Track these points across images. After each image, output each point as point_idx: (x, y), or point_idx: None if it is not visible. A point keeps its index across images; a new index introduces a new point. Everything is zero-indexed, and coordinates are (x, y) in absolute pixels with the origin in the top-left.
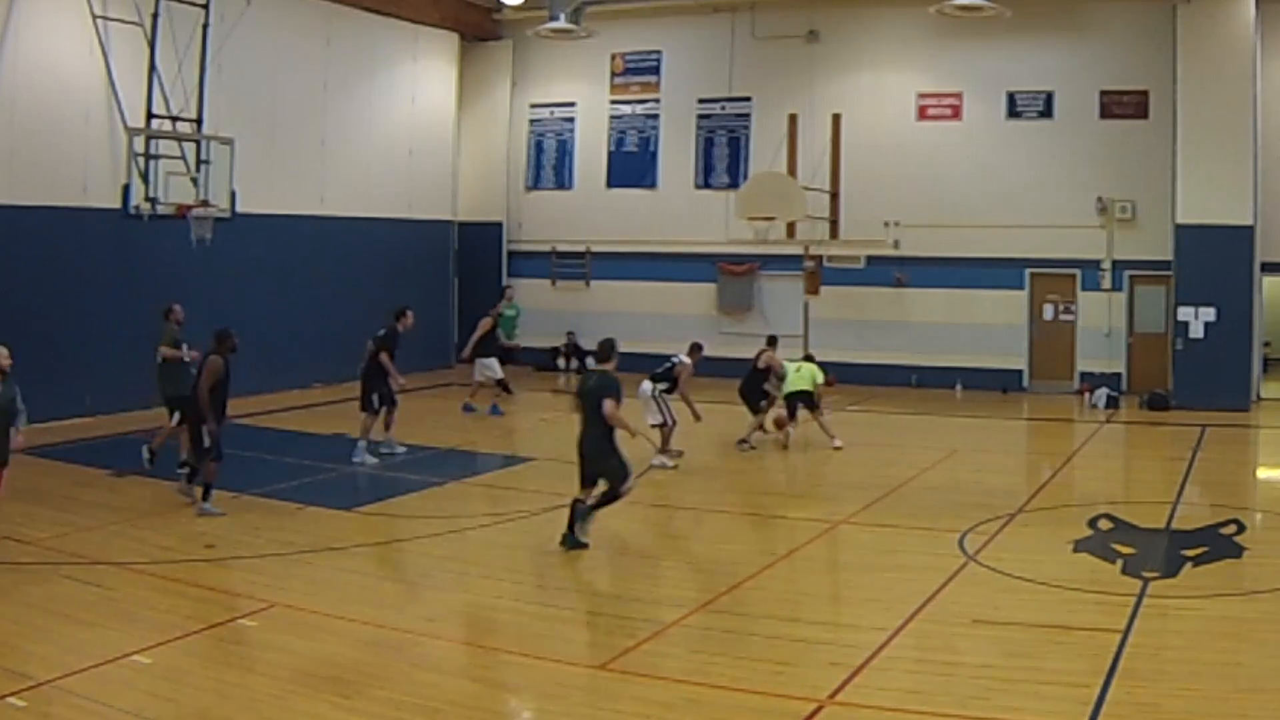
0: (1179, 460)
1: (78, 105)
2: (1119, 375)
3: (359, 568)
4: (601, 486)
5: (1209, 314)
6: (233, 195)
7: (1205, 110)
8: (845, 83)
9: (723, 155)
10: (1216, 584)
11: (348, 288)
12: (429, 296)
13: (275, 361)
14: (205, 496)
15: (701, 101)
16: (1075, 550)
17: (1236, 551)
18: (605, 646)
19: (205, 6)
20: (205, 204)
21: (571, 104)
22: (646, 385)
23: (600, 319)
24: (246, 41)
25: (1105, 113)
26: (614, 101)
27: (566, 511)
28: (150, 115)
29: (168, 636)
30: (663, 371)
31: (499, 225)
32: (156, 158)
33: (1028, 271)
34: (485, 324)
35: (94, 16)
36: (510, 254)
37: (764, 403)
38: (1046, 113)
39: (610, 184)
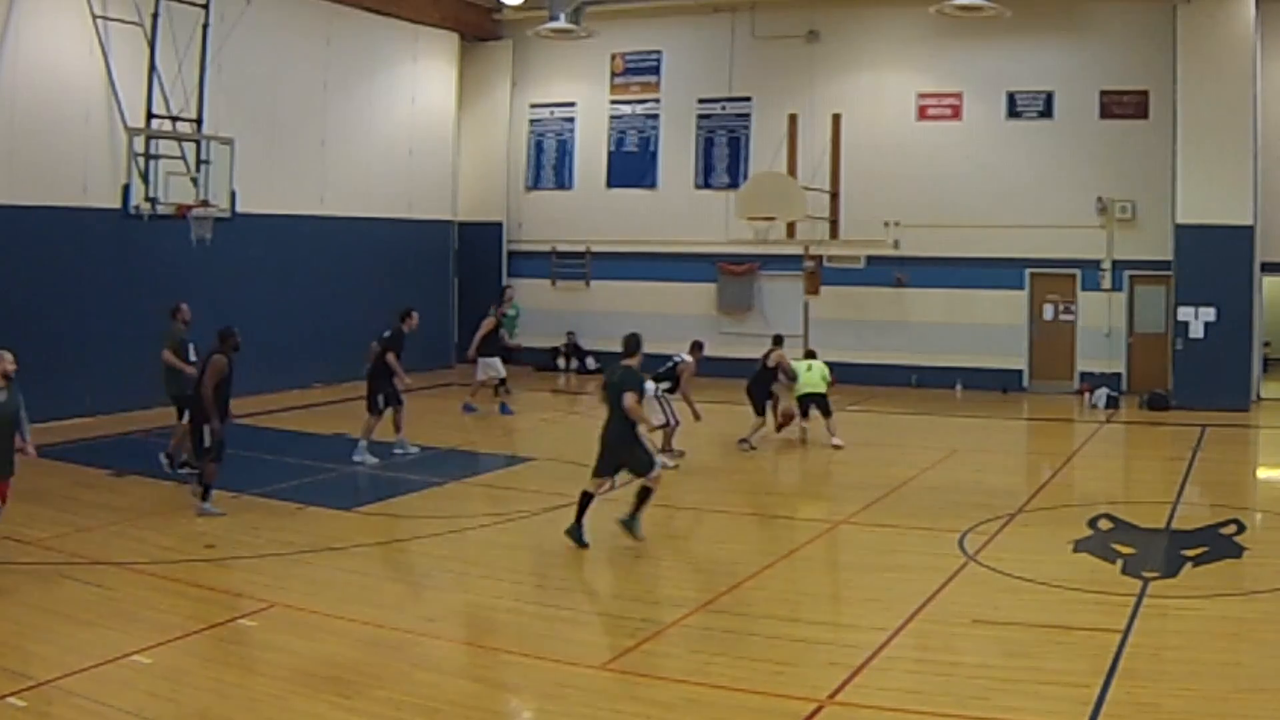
0: (1179, 460)
1: (78, 105)
2: (1119, 375)
3: (359, 568)
4: (623, 478)
5: (1209, 314)
6: (233, 195)
7: (1205, 110)
8: (845, 83)
9: (723, 155)
10: (1216, 584)
11: (348, 288)
12: (429, 296)
13: (275, 361)
14: (205, 496)
15: (701, 101)
16: (1075, 550)
17: (1236, 551)
18: (605, 646)
19: (205, 6)
20: (205, 204)
21: (571, 104)
22: (649, 385)
23: (600, 319)
24: (246, 41)
25: (1105, 113)
26: (614, 101)
27: (567, 511)
28: (150, 115)
29: (168, 636)
30: (665, 371)
31: (499, 225)
32: (156, 158)
33: (1028, 271)
34: (488, 323)
35: (94, 16)
36: (510, 254)
37: (768, 402)
38: (1046, 113)
39: (610, 184)
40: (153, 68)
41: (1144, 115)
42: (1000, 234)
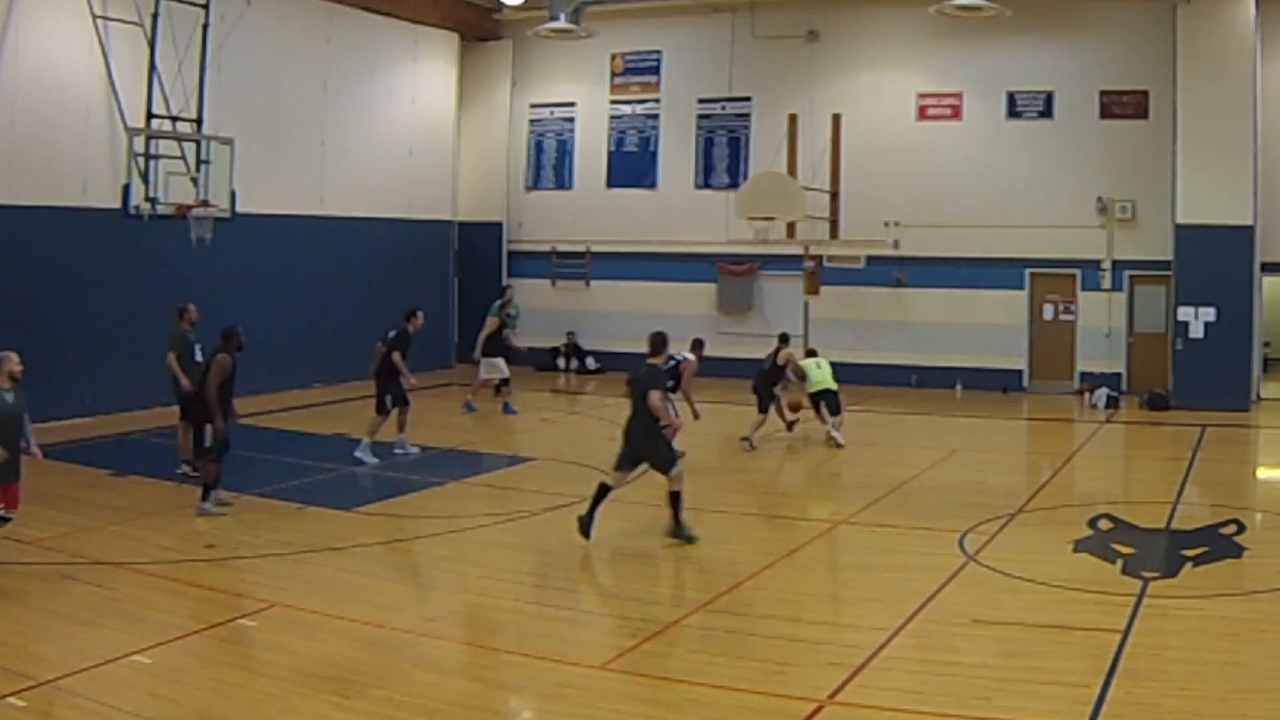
0: (1179, 460)
1: (78, 105)
2: (1119, 375)
3: (359, 568)
4: (641, 470)
5: (1209, 314)
6: (233, 195)
7: (1205, 110)
8: (845, 83)
9: (723, 155)
10: (1216, 584)
11: (348, 288)
12: (429, 296)
13: (275, 361)
14: (205, 496)
15: (701, 101)
16: (1075, 550)
17: (1236, 551)
18: (605, 646)
19: (205, 6)
20: (205, 204)
21: (571, 104)
22: None
23: (600, 319)
24: (246, 41)
25: (1105, 113)
26: (614, 101)
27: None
28: (150, 115)
29: (168, 636)
30: (667, 370)
31: (499, 225)
32: (156, 158)
33: (1028, 271)
34: (493, 324)
35: (94, 16)
36: (510, 254)
37: (773, 401)
38: (1046, 113)
39: (610, 184)
40: (153, 68)
41: (1144, 115)
42: (1000, 234)
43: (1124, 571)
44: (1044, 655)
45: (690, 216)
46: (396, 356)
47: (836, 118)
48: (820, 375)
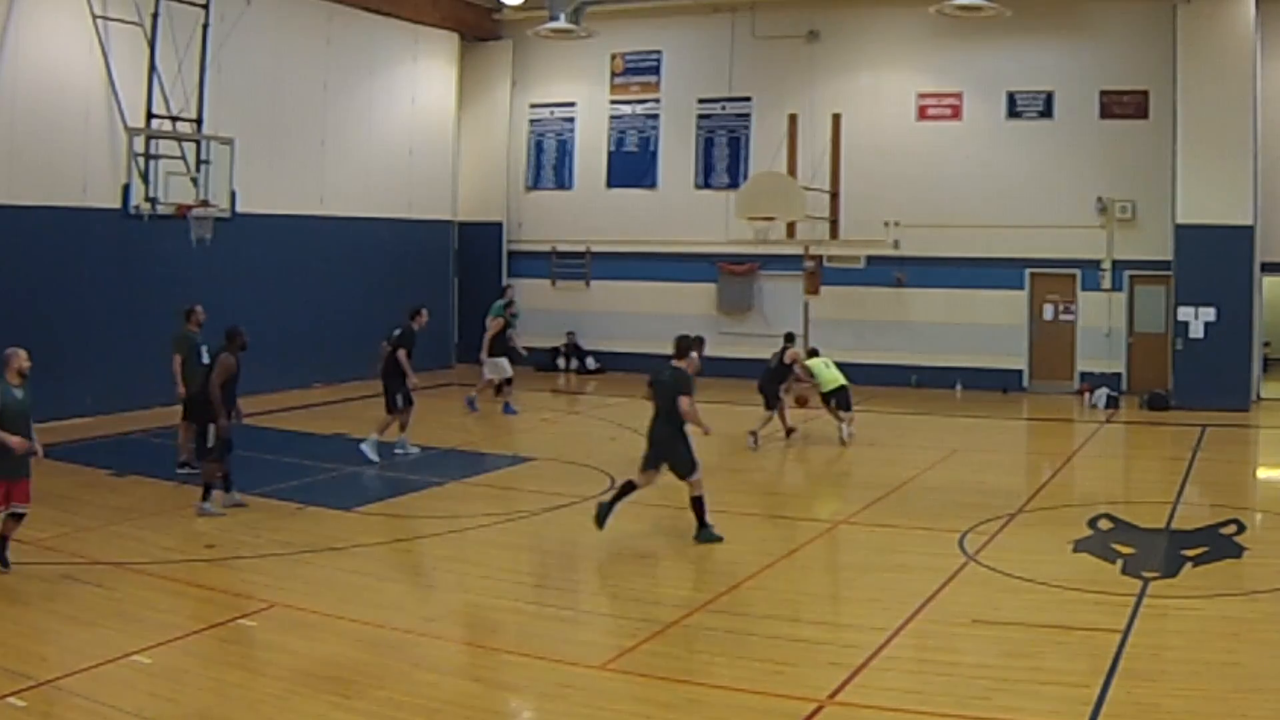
0: (1179, 460)
1: (78, 105)
2: (1119, 375)
3: (359, 568)
4: (665, 474)
5: (1209, 314)
6: (233, 195)
7: (1205, 110)
8: (845, 83)
9: (723, 155)
10: (1216, 584)
11: (348, 288)
12: (429, 296)
13: (275, 361)
14: (205, 496)
15: (701, 101)
16: (1075, 550)
17: (1236, 551)
18: (605, 646)
19: (205, 6)
20: (205, 204)
21: (571, 104)
22: None
23: (600, 319)
24: (246, 41)
25: (1105, 113)
26: (614, 101)
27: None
28: (150, 115)
29: (168, 636)
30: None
31: (499, 225)
32: (156, 158)
33: (1028, 271)
34: (497, 324)
35: (94, 16)
36: (510, 254)
37: (779, 400)
38: (1046, 113)
39: (610, 184)
40: (153, 68)
41: (1144, 115)
42: (1000, 234)
43: (1124, 571)
44: (1044, 655)
45: (690, 216)
46: (401, 355)
47: (836, 118)
48: (832, 374)
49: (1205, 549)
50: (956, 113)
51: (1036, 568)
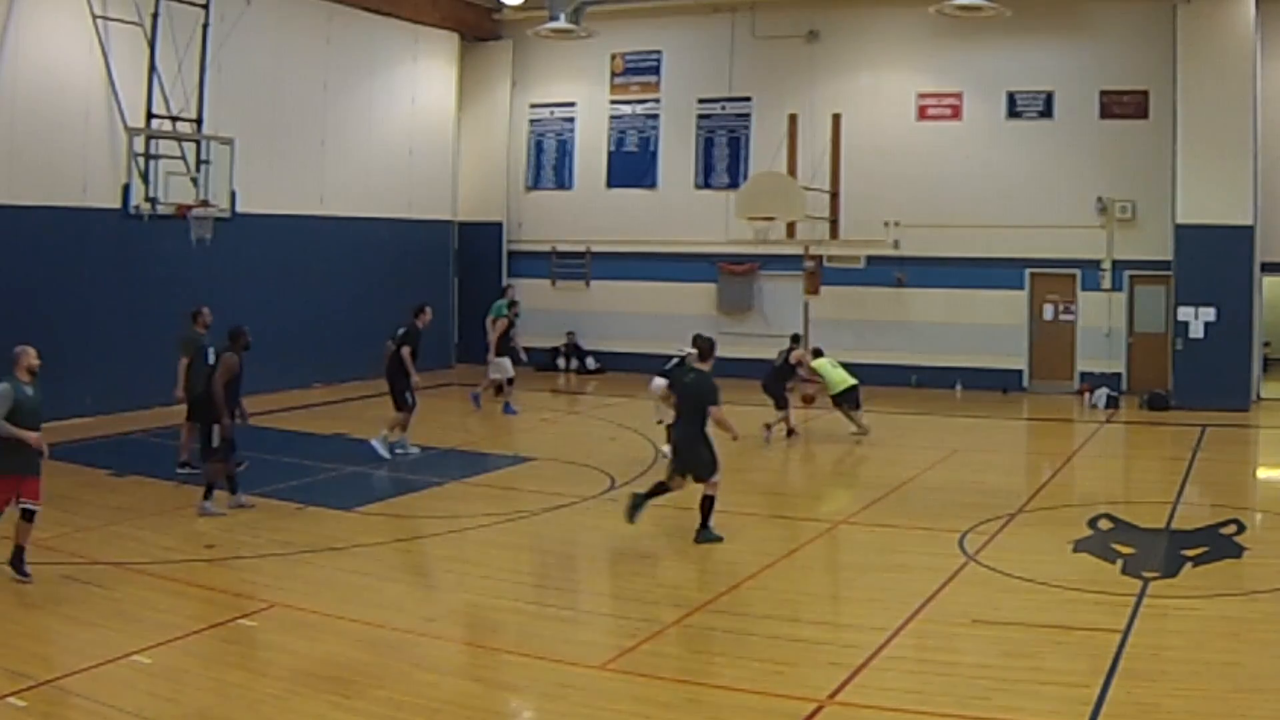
0: (1179, 460)
1: (78, 105)
2: (1119, 375)
3: (359, 568)
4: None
5: (1209, 314)
6: (233, 195)
7: (1205, 110)
8: (845, 83)
9: (723, 155)
10: (1216, 584)
11: (348, 288)
12: (429, 296)
13: (275, 361)
14: (207, 495)
15: (701, 101)
16: (1075, 550)
17: (1236, 551)
18: (605, 646)
19: (205, 6)
20: (205, 204)
21: (571, 104)
22: (659, 382)
23: (600, 319)
24: (246, 41)
25: (1105, 113)
26: (614, 101)
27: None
28: (150, 115)
29: (168, 636)
30: (670, 368)
31: (499, 225)
32: (156, 158)
33: (1028, 271)
34: (502, 324)
35: (94, 16)
36: (510, 254)
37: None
38: (1046, 113)
39: (610, 184)
40: (153, 68)
41: (1144, 115)
42: (1000, 234)
43: (1124, 571)
44: (1044, 655)
45: (690, 216)
46: (405, 353)
47: (836, 118)
48: (840, 375)
49: (1205, 549)
50: (956, 113)
51: (1036, 568)
